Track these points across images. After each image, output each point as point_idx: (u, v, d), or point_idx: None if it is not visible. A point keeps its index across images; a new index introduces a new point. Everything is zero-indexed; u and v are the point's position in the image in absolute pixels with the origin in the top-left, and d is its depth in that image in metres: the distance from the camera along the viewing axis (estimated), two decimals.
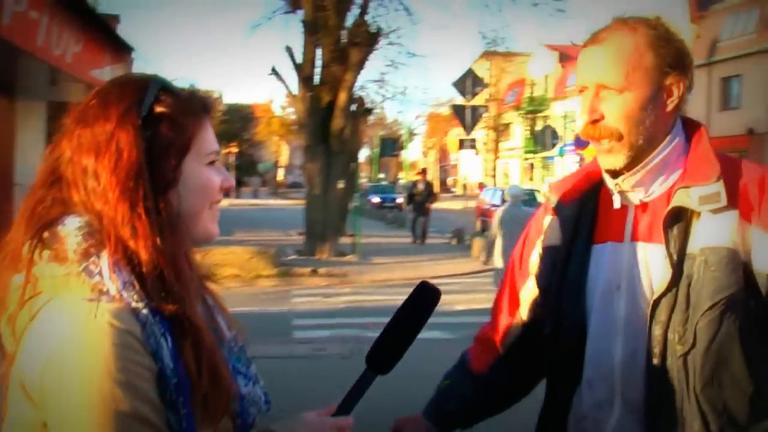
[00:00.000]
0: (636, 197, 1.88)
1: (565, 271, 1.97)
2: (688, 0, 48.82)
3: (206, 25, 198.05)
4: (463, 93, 23.57)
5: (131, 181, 1.35)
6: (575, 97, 59.33)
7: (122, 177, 1.34)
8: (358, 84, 21.97)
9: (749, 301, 1.71)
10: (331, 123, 20.28)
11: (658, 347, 1.76)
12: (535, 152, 51.80)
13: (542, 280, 2.05)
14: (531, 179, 58.96)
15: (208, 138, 1.50)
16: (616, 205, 1.90)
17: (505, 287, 2.23)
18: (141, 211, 1.34)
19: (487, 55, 46.07)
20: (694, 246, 1.74)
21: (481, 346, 2.30)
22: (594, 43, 1.85)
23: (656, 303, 1.76)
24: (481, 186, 49.68)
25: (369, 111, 24.34)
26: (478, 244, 21.71)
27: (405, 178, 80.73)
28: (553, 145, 35.92)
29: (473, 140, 27.53)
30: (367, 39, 20.61)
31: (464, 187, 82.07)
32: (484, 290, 15.72)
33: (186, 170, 1.44)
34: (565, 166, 48.30)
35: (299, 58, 20.66)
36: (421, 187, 25.24)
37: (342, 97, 20.26)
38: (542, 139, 35.91)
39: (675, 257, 1.74)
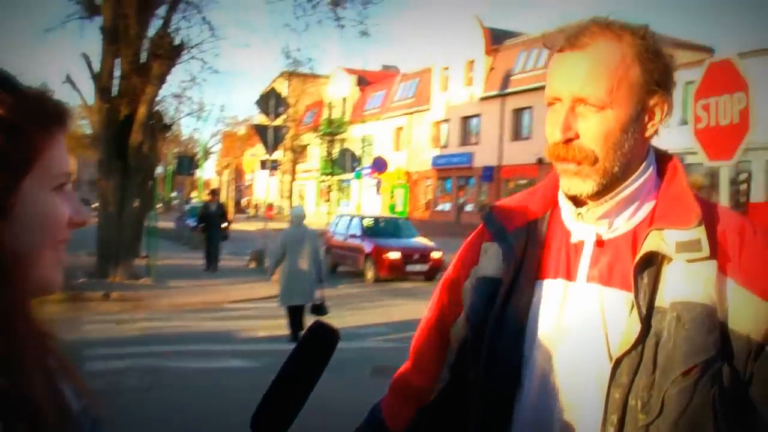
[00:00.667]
0: (597, 232, 1.62)
1: (504, 309, 1.66)
2: (482, 32, 51.03)
3: None
4: (266, 113, 23.32)
5: None
6: (372, 121, 60.56)
7: None
8: (157, 98, 21.13)
9: (725, 368, 1.45)
10: (128, 138, 19.33)
11: (615, 414, 1.47)
12: (331, 174, 52.25)
13: (475, 316, 1.71)
14: (327, 201, 59.36)
15: (58, 156, 1.09)
16: (574, 238, 1.65)
17: (431, 322, 1.89)
18: None
19: (287, 75, 46.18)
20: (664, 298, 1.48)
21: (398, 398, 1.93)
22: (573, 48, 1.57)
23: (618, 362, 1.48)
24: (270, 207, 49.53)
25: (168, 127, 23.54)
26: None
27: (198, 197, 79.74)
28: (353, 169, 36.27)
29: (276, 161, 27.23)
30: (169, 52, 19.88)
31: (256, 207, 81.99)
32: (284, 315, 15.44)
33: (26, 196, 1.03)
34: (362, 189, 48.84)
35: (96, 67, 19.54)
36: (213, 208, 24.16)
37: (141, 110, 19.36)
38: (342, 162, 36.19)
39: (644, 310, 1.48)
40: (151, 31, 20.64)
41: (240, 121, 68.60)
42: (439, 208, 56.29)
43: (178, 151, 58.09)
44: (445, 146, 55.28)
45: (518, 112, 47.63)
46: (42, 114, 1.07)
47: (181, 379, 10.06)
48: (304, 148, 61.93)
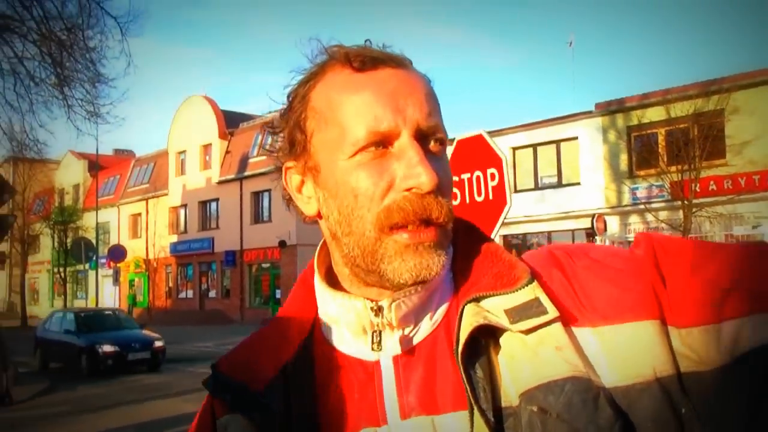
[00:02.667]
0: (397, 341, 1.12)
1: None
2: (216, 116, 51.14)
3: None
4: None
5: None
6: (107, 207, 58.53)
7: None
8: None
9: None
10: None
11: None
12: (65, 266, 49.60)
13: None
14: (62, 294, 56.21)
15: None
16: (364, 359, 1.14)
17: None
18: None
19: (12, 160, 43.59)
20: (510, 394, 1.01)
21: None
22: (396, 65, 1.12)
23: None
24: None
25: None
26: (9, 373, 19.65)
27: None
28: (89, 258, 34.53)
29: (2, 254, 25.25)
30: None
31: None
32: (20, 426, 14.25)
33: None
34: (100, 279, 46.73)
35: None
36: None
37: None
38: (77, 252, 34.34)
39: (491, 416, 0.99)
40: None
41: None
42: (182, 295, 54.86)
43: None
44: (184, 232, 54.14)
45: (257, 195, 47.58)
46: None
47: None
48: (35, 238, 58.48)
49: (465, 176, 7.89)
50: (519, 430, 0.99)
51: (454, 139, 8.62)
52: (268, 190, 46.13)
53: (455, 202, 7.97)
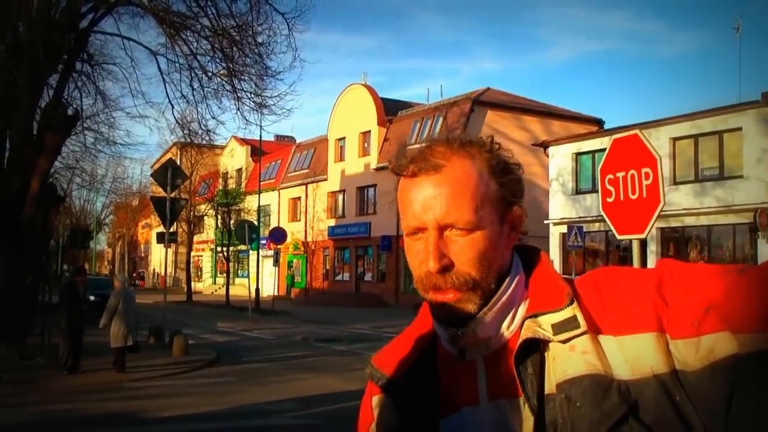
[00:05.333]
0: (485, 347, 1.55)
1: None
2: (375, 104, 51.73)
3: None
4: (163, 185, 22.82)
5: None
6: (268, 191, 60.36)
7: None
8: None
9: (633, 426, 1.36)
10: (20, 211, 18.62)
11: None
12: (228, 246, 51.55)
13: None
14: (224, 272, 58.51)
15: None
16: (464, 361, 1.58)
17: None
18: None
19: (182, 146, 45.66)
20: (551, 385, 1.44)
21: None
22: (429, 172, 1.53)
23: None
24: (142, 281, 48.47)
25: (61, 199, 22.81)
26: (178, 342, 20.84)
27: (92, 271, 77.62)
28: (251, 240, 35.90)
29: (173, 234, 26.63)
30: (62, 123, 19.34)
31: (153, 275, 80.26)
32: (188, 393, 15.15)
33: None
34: (260, 260, 48.34)
35: None
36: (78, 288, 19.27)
37: (34, 184, 18.72)
38: (241, 233, 35.78)
39: (534, 401, 1.44)
40: (44, 102, 20.16)
41: (134, 192, 67.41)
42: (339, 277, 56.14)
43: (70, 223, 56.57)
44: (342, 216, 55.37)
45: None
46: None
47: None
48: (200, 219, 61.10)
49: (620, 174, 8.03)
50: (554, 411, 1.39)
51: (611, 136, 8.77)
52: None
53: (610, 199, 8.14)
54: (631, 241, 8.22)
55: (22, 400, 14.11)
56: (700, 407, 1.33)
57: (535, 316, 1.48)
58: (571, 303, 1.46)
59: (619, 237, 8.35)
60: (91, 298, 23.69)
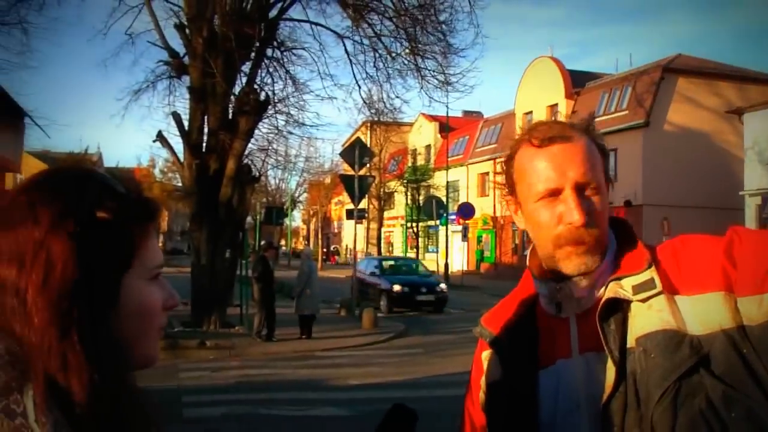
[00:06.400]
0: (577, 305, 1.76)
1: (518, 405, 1.80)
2: (562, 76, 50.81)
3: (88, 85, 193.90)
4: (351, 164, 23.57)
5: (64, 301, 1.08)
6: (456, 167, 60.68)
7: (53, 296, 1.08)
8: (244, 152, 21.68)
9: (704, 376, 1.54)
10: (218, 191, 19.91)
11: None
12: (418, 221, 52.34)
13: (496, 422, 1.87)
14: (414, 247, 59.47)
15: (153, 249, 1.25)
16: (561, 316, 1.79)
17: None
18: (74, 338, 1.08)
19: (370, 124, 46.69)
20: (632, 339, 1.62)
21: None
22: (560, 141, 1.72)
23: (606, 407, 1.61)
24: (333, 256, 49.76)
25: (256, 179, 24.05)
26: (368, 315, 21.61)
27: (287, 246, 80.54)
28: (440, 215, 36.43)
29: (363, 210, 27.48)
30: (255, 107, 20.39)
31: (346, 251, 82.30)
32: (376, 363, 15.68)
33: (127, 288, 1.18)
34: (449, 235, 48.89)
35: (186, 125, 20.32)
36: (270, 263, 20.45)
37: (230, 165, 19.91)
38: (428, 209, 36.39)
39: (616, 354, 1.62)
40: (237, 88, 21.31)
41: (326, 171, 69.35)
42: (527, 252, 55.69)
43: (266, 202, 59.01)
44: None
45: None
46: (139, 214, 1.23)
47: (275, 427, 10.30)
48: (389, 195, 62.23)
49: None
50: (633, 363, 1.59)
51: None
52: (614, 149, 45.58)
53: None
54: None
55: (222, 365, 15.22)
56: (766, 358, 1.52)
57: (619, 278, 1.67)
58: (650, 267, 1.66)
59: None
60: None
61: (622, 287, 1.65)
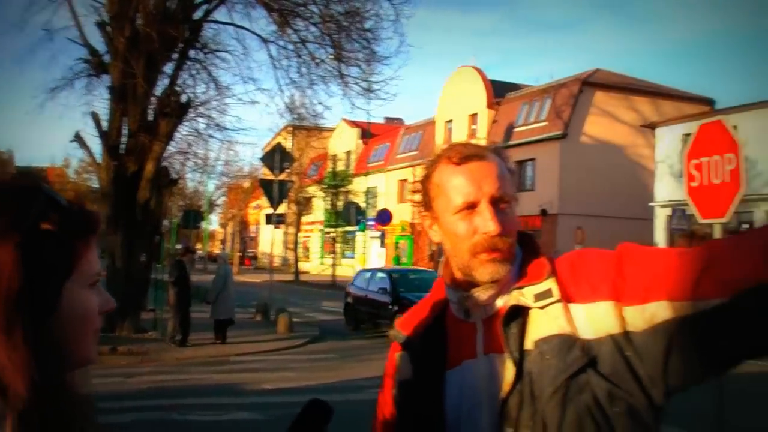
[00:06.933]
0: (483, 310, 1.93)
1: (426, 402, 1.96)
2: (484, 86, 51.42)
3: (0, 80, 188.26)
4: (271, 168, 23.53)
5: (9, 306, 1.15)
6: (376, 173, 60.90)
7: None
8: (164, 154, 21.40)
9: (592, 376, 1.73)
10: (136, 193, 19.64)
11: None
12: (336, 227, 52.28)
13: (406, 418, 2.04)
14: (332, 253, 59.46)
15: (92, 259, 1.33)
16: (469, 321, 1.95)
17: None
18: (18, 340, 1.15)
19: (291, 129, 46.53)
20: (530, 342, 1.80)
21: None
22: (477, 159, 1.90)
23: (504, 403, 1.78)
24: (248, 260, 49.32)
25: (174, 182, 23.83)
26: (283, 320, 21.61)
27: (204, 249, 79.64)
28: (358, 221, 36.52)
29: (281, 215, 27.41)
30: (176, 110, 20.22)
31: (264, 255, 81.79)
32: (291, 367, 15.74)
33: (68, 294, 1.25)
34: (367, 240, 49.04)
35: (104, 125, 19.94)
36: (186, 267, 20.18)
37: (149, 167, 19.66)
38: (346, 214, 36.45)
39: (516, 355, 1.79)
40: (158, 89, 21.05)
41: (245, 174, 68.84)
42: (441, 262, 56.06)
43: (184, 205, 58.30)
44: None
45: (521, 164, 47.90)
46: (81, 226, 1.32)
47: None
48: (308, 200, 62.04)
49: (704, 159, 8.24)
50: (530, 363, 1.76)
51: (699, 121, 8.91)
52: (532, 159, 46.42)
53: (694, 184, 8.33)
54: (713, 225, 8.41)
55: (135, 371, 15.01)
56: (646, 361, 1.69)
57: (522, 287, 1.84)
58: (549, 277, 1.83)
59: (701, 221, 8.54)
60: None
61: (524, 295, 1.83)
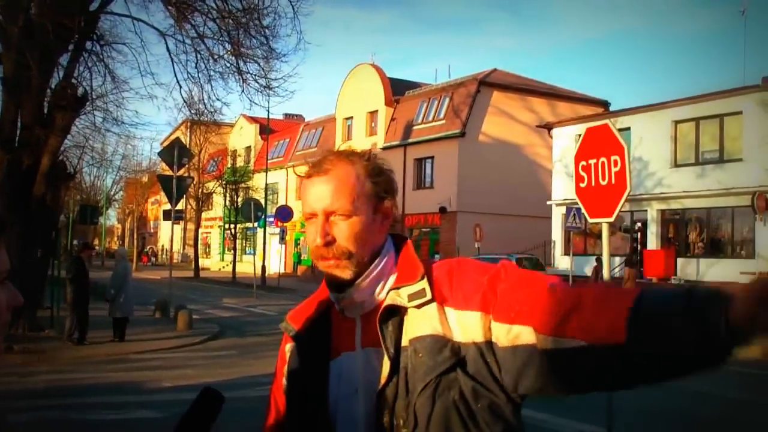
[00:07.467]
0: (361, 307, 2.07)
1: (311, 390, 2.11)
2: (383, 84, 51.74)
3: None
4: (170, 164, 23.26)
5: None
6: (276, 169, 60.63)
7: None
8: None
9: (459, 374, 1.90)
10: (31, 188, 19.07)
11: None
12: (235, 223, 51.84)
13: (293, 404, 2.18)
14: (232, 249, 58.96)
15: (1, 257, 1.39)
16: (347, 316, 2.11)
17: (269, 427, 2.32)
18: None
19: (190, 124, 45.97)
20: (406, 339, 1.96)
21: None
22: (319, 174, 2.05)
23: (380, 393, 1.95)
24: (145, 256, 48.71)
25: (71, 176, 23.29)
26: (183, 317, 21.38)
27: (101, 246, 78.00)
28: (258, 217, 36.34)
29: (180, 211, 27.09)
30: (72, 103, 19.72)
31: (163, 252, 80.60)
32: (190, 365, 15.71)
33: None
34: (266, 237, 48.76)
35: None
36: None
37: (44, 161, 19.10)
38: (247, 211, 36.23)
39: (392, 351, 1.95)
40: (54, 82, 20.49)
41: (143, 169, 67.75)
42: None
43: (80, 199, 56.97)
44: None
45: (420, 162, 48.42)
46: None
47: None
48: (208, 196, 61.41)
49: (591, 161, 8.55)
50: (405, 359, 1.92)
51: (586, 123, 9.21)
52: (431, 157, 46.93)
53: (583, 185, 8.64)
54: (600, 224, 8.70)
55: (31, 370, 14.63)
56: (503, 370, 1.88)
57: (398, 288, 2.00)
58: (422, 278, 1.98)
59: (590, 220, 8.84)
60: None
61: (400, 296, 1.98)
